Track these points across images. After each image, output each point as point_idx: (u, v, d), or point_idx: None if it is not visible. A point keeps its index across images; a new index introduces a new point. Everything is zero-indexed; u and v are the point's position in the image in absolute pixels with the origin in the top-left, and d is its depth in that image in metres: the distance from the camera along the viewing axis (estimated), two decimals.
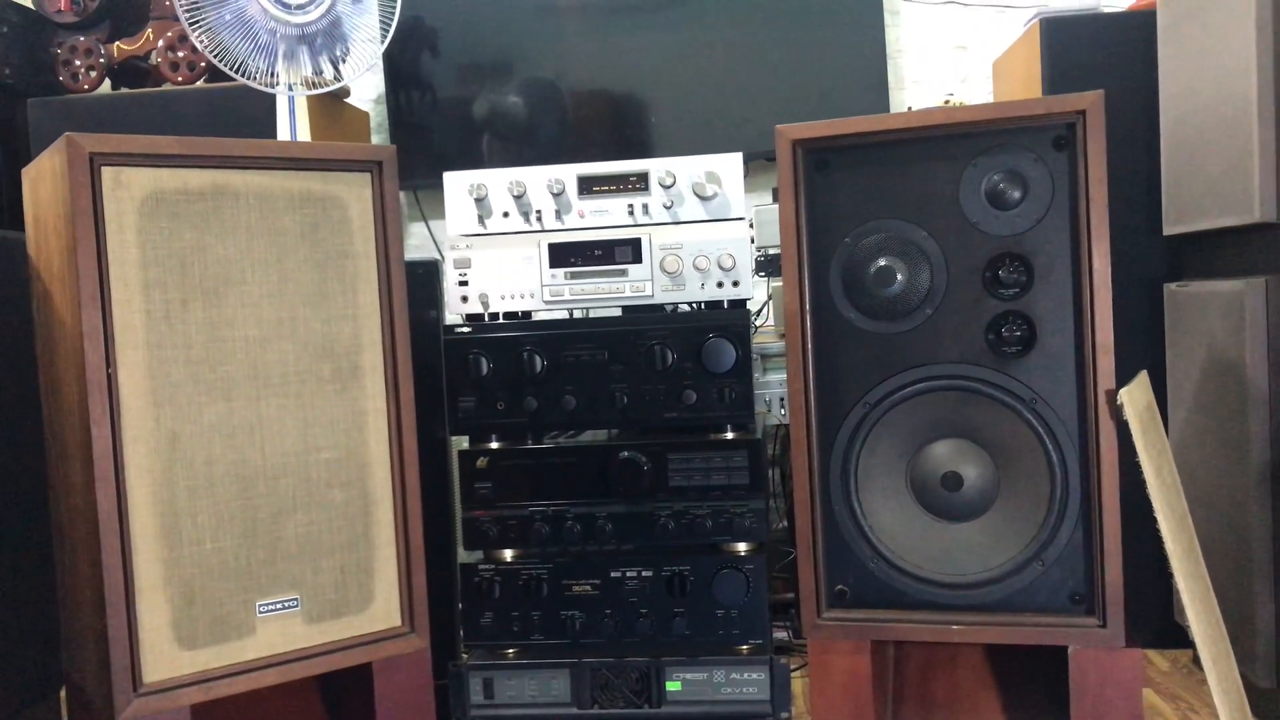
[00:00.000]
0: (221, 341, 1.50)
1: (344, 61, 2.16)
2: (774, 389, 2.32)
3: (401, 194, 2.95)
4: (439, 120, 2.89)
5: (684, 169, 1.77)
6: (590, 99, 2.87)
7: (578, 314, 1.98)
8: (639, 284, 1.75)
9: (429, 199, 2.96)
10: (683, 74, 2.80)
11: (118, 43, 2.56)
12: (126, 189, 1.42)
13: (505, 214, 1.81)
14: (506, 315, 1.80)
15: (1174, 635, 2.06)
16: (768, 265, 2.36)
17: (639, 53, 2.81)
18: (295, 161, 1.55)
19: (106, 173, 1.41)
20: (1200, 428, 2.00)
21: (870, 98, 2.72)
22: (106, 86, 2.64)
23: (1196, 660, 1.44)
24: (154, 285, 1.45)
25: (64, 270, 1.43)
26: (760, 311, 2.53)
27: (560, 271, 1.77)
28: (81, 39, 2.56)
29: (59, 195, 1.42)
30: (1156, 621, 2.19)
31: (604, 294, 1.76)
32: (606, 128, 2.87)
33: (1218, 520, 1.92)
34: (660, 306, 1.79)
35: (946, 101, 2.53)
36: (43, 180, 1.51)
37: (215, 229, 1.49)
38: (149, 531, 1.44)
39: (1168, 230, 2.10)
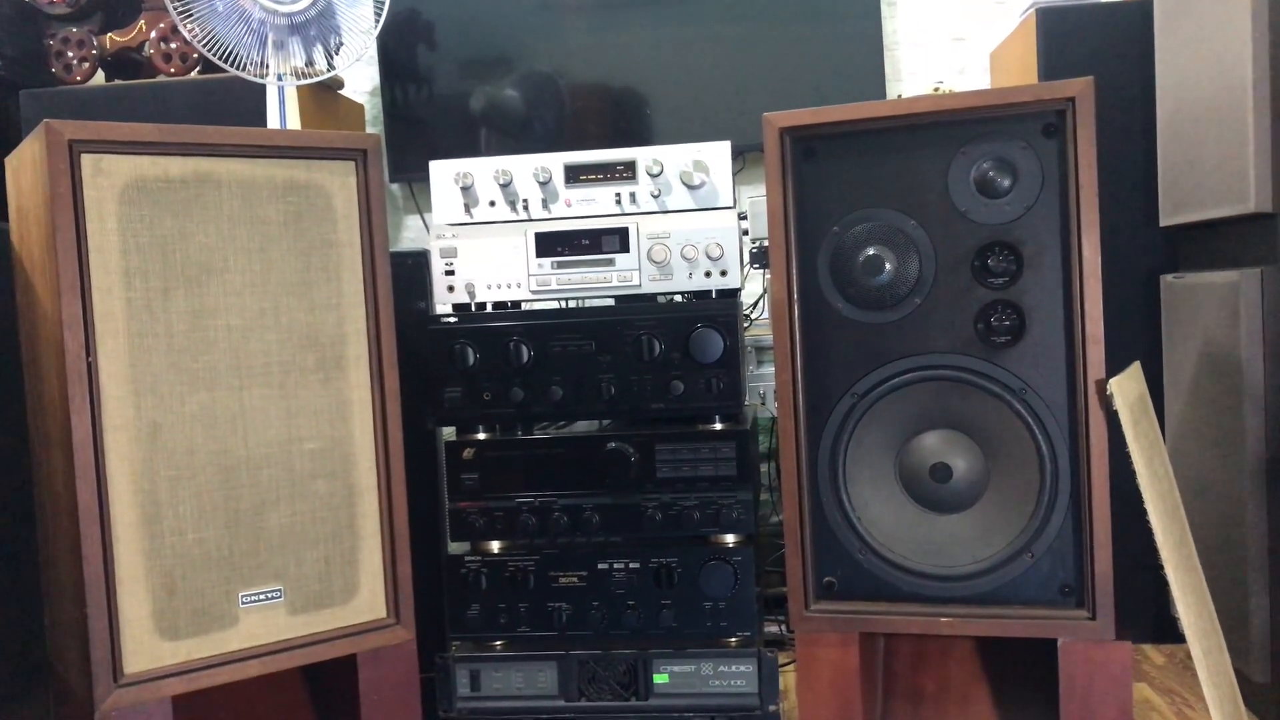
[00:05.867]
0: (203, 330, 1.49)
1: (336, 52, 2.15)
2: (769, 382, 2.31)
3: (396, 186, 2.96)
4: (434, 113, 2.88)
5: (671, 158, 1.76)
6: (588, 92, 2.85)
7: (566, 304, 1.97)
8: (626, 274, 1.74)
9: (424, 191, 2.94)
10: (680, 67, 2.79)
11: (110, 34, 2.55)
12: (107, 176, 1.41)
13: (492, 203, 1.80)
14: (494, 305, 1.79)
15: (1170, 630, 2.04)
16: (763, 257, 2.33)
17: (637, 46, 2.80)
18: (278, 150, 1.54)
19: (86, 160, 1.40)
20: (1195, 420, 1.98)
21: (867, 89, 2.70)
22: (100, 78, 2.64)
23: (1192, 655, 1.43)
24: (135, 273, 1.44)
25: (44, 258, 1.42)
26: (756, 304, 2.52)
27: (547, 261, 1.75)
28: (74, 30, 2.55)
29: (39, 183, 1.41)
30: (1153, 616, 2.18)
31: (591, 284, 1.75)
32: (604, 121, 2.85)
33: (1213, 513, 1.90)
34: (648, 296, 1.78)
35: (936, 89, 2.51)
36: (24, 168, 1.50)
37: (197, 217, 1.48)
38: (130, 521, 1.43)
39: (1164, 221, 2.09)
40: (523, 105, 2.85)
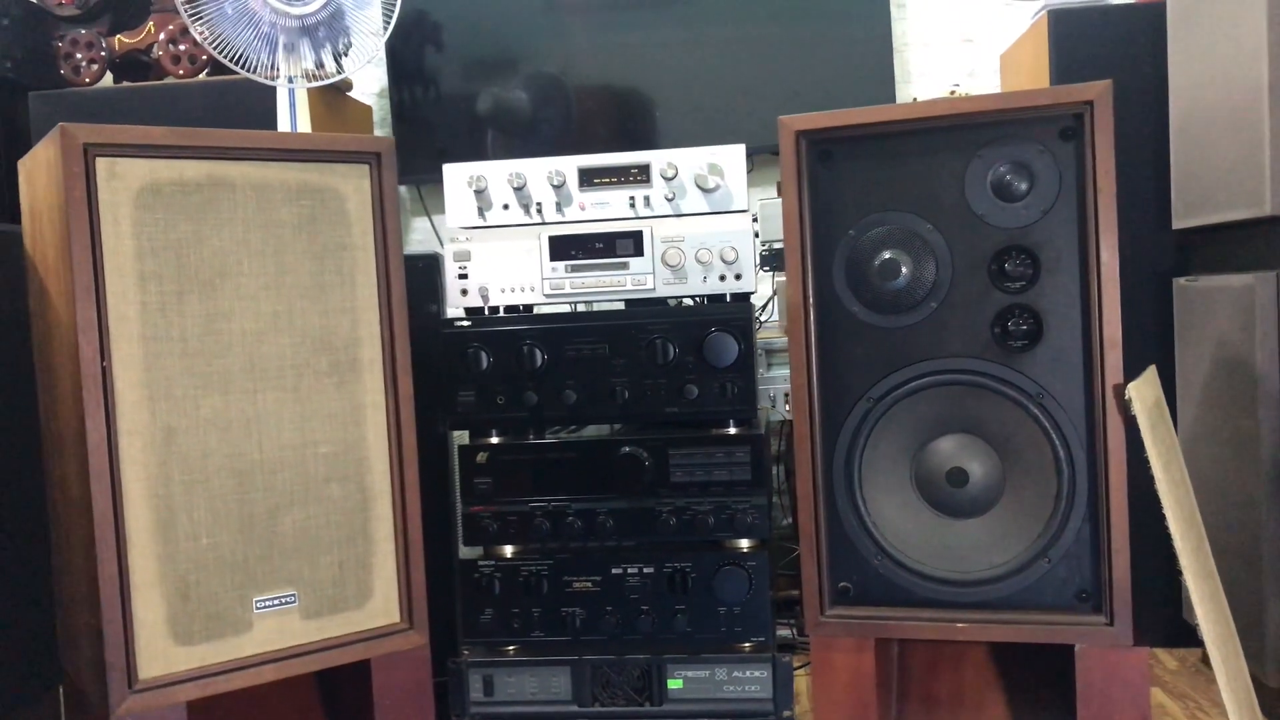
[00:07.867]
0: (218, 334, 1.48)
1: (345, 54, 2.15)
2: (779, 385, 2.30)
3: (404, 188, 2.95)
4: (442, 114, 2.87)
5: (686, 161, 1.75)
6: (595, 93, 2.85)
7: (581, 308, 1.96)
8: (640, 277, 1.73)
9: (431, 193, 2.95)
10: (688, 68, 2.78)
11: (119, 36, 2.55)
12: (121, 180, 1.41)
13: (505, 206, 1.79)
14: (507, 309, 1.78)
15: (1183, 634, 2.04)
16: (772, 260, 2.33)
17: (644, 47, 2.79)
18: (292, 153, 1.54)
19: (101, 163, 1.39)
20: (1210, 424, 1.97)
21: (877, 91, 2.69)
22: (108, 80, 2.63)
23: (1205, 659, 1.42)
24: (149, 277, 1.43)
25: (59, 262, 1.42)
26: (765, 306, 2.51)
27: (561, 264, 1.75)
28: (83, 32, 2.55)
29: (53, 186, 1.41)
30: (1165, 620, 2.16)
31: (605, 287, 1.75)
32: (611, 122, 2.85)
33: (1227, 517, 1.90)
34: (662, 300, 1.77)
35: (952, 92, 2.51)
36: (38, 172, 1.50)
37: (211, 221, 1.48)
38: (144, 526, 1.42)
39: (1177, 224, 2.08)
40: (530, 107, 2.85)
